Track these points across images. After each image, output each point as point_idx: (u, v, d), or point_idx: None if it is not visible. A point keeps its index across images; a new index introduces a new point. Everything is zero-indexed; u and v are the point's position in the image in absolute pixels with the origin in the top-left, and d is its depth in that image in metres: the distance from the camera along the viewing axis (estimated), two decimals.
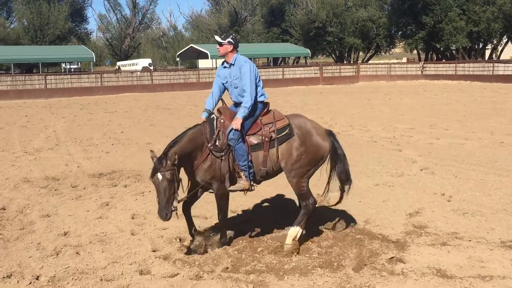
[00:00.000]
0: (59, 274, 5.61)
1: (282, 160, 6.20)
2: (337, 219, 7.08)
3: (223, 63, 6.47)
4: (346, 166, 6.49)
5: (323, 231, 6.76)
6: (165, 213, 5.58)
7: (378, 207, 7.83)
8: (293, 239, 6.16)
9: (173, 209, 5.65)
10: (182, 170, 5.95)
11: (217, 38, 6.26)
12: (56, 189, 9.45)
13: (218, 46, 6.29)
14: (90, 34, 75.89)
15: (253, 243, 6.47)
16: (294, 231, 6.19)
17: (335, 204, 6.78)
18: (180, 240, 6.65)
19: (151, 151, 5.83)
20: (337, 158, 6.42)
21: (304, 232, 6.32)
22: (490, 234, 6.50)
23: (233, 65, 6.29)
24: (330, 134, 6.43)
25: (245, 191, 6.25)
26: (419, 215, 7.39)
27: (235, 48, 6.33)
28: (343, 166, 6.45)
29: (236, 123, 6.01)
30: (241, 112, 6.10)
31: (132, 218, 7.60)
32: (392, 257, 5.85)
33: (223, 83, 6.48)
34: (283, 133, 6.20)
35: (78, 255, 6.19)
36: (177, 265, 5.82)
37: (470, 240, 6.32)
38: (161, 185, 5.58)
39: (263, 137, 6.15)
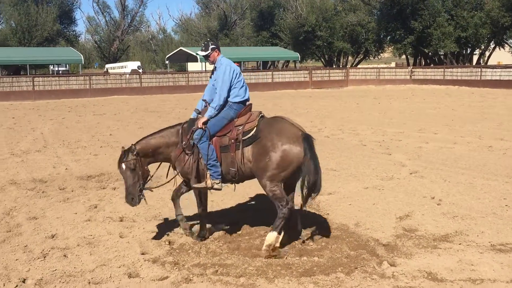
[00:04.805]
0: (46, 277, 5.53)
1: (248, 162, 6.22)
2: (328, 222, 7.06)
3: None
4: (315, 176, 5.95)
5: (313, 234, 6.72)
6: (130, 198, 6.28)
7: (368, 210, 7.81)
8: (269, 244, 5.99)
9: (141, 197, 6.38)
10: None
11: (201, 53, 6.62)
12: (44, 191, 9.33)
13: (207, 58, 6.62)
14: (79, 36, 75.65)
15: (241, 245, 6.42)
16: (271, 237, 6.01)
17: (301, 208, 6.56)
18: (169, 243, 6.58)
19: (122, 147, 6.55)
20: (307, 167, 5.96)
21: (281, 236, 6.16)
22: (480, 238, 6.51)
23: (216, 67, 6.62)
24: (305, 139, 6.01)
25: (209, 189, 6.46)
26: (409, 218, 7.38)
27: (219, 50, 6.66)
28: (312, 176, 5.94)
29: (199, 122, 6.34)
30: (208, 112, 6.42)
31: (121, 221, 7.52)
32: (383, 260, 5.83)
33: (213, 85, 6.70)
34: (248, 136, 6.24)
35: (66, 257, 6.10)
36: (167, 268, 5.75)
37: (460, 244, 6.32)
38: (125, 173, 6.33)
39: (230, 139, 6.28)
